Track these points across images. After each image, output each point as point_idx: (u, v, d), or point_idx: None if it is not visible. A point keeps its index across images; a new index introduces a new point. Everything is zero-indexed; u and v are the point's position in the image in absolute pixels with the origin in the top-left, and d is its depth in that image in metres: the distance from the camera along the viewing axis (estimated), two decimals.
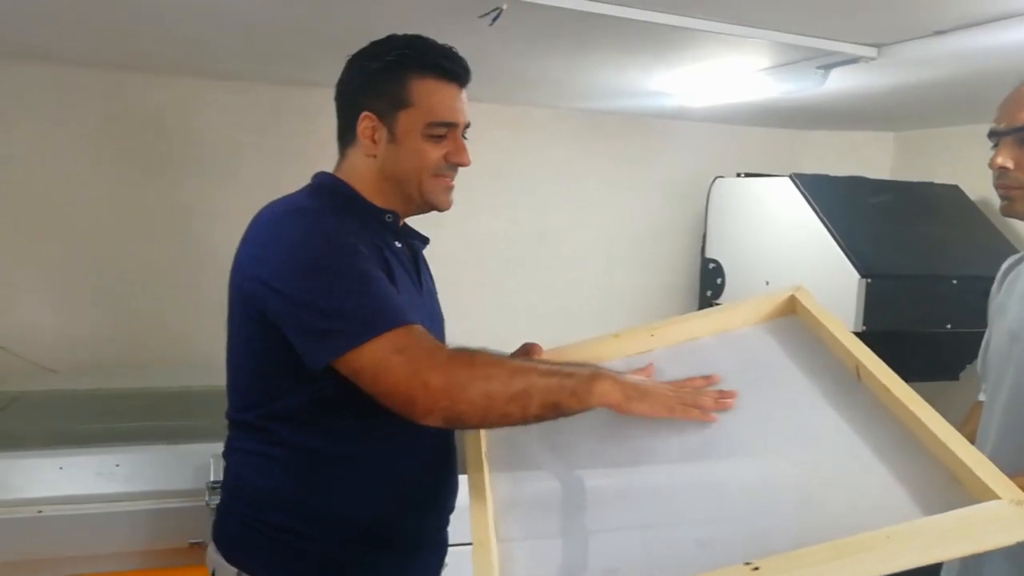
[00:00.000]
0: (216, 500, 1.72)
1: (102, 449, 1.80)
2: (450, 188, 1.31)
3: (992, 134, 1.40)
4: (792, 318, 1.34)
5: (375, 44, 1.29)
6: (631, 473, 1.13)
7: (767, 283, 2.72)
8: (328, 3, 1.71)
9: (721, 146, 3.35)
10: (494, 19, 1.58)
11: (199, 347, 2.51)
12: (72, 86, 2.53)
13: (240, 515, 1.27)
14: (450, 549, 1.39)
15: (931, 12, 1.59)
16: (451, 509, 1.37)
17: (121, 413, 2.09)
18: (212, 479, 1.73)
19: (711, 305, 2.98)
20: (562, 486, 1.19)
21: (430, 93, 1.25)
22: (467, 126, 1.31)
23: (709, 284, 3.05)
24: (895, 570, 0.83)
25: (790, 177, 2.67)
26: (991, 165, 1.38)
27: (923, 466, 0.97)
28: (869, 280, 2.36)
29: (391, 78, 1.25)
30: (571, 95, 2.82)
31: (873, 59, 1.89)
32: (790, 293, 1.35)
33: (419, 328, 1.12)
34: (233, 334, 1.27)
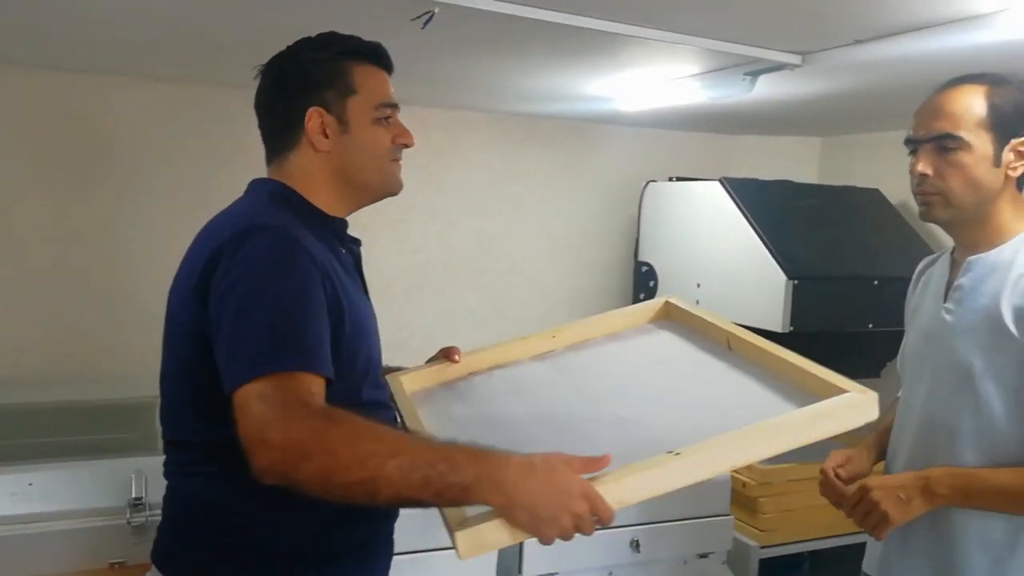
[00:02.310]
0: (139, 518, 1.67)
1: (15, 467, 1.71)
2: (400, 170, 1.34)
3: (909, 141, 1.45)
4: (668, 320, 1.57)
5: (305, 42, 1.29)
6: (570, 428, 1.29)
7: (698, 285, 2.77)
8: (257, 4, 1.67)
9: (654, 151, 3.40)
10: (426, 22, 1.57)
11: (121, 359, 2.42)
12: None
13: (191, 535, 1.22)
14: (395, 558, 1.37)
15: (851, 22, 1.64)
16: (397, 515, 1.35)
17: (36, 429, 2.00)
18: (134, 495, 1.67)
19: None
20: None
21: (371, 78, 1.28)
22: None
23: (642, 286, 3.09)
24: (784, 448, 1.07)
25: (720, 181, 2.72)
26: (912, 172, 1.43)
27: (793, 385, 1.22)
28: (796, 282, 2.42)
29: (335, 69, 1.25)
30: (507, 98, 2.82)
31: (798, 66, 1.94)
32: (664, 299, 1.59)
33: (305, 379, 1.04)
34: (177, 349, 1.20)
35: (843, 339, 2.60)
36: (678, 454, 1.02)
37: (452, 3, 1.52)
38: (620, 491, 0.99)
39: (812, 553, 2.57)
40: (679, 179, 3.07)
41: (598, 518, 0.99)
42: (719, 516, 2.22)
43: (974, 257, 1.43)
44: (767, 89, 2.17)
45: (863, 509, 1.41)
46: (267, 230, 1.14)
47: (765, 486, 2.39)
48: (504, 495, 0.96)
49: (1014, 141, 1.37)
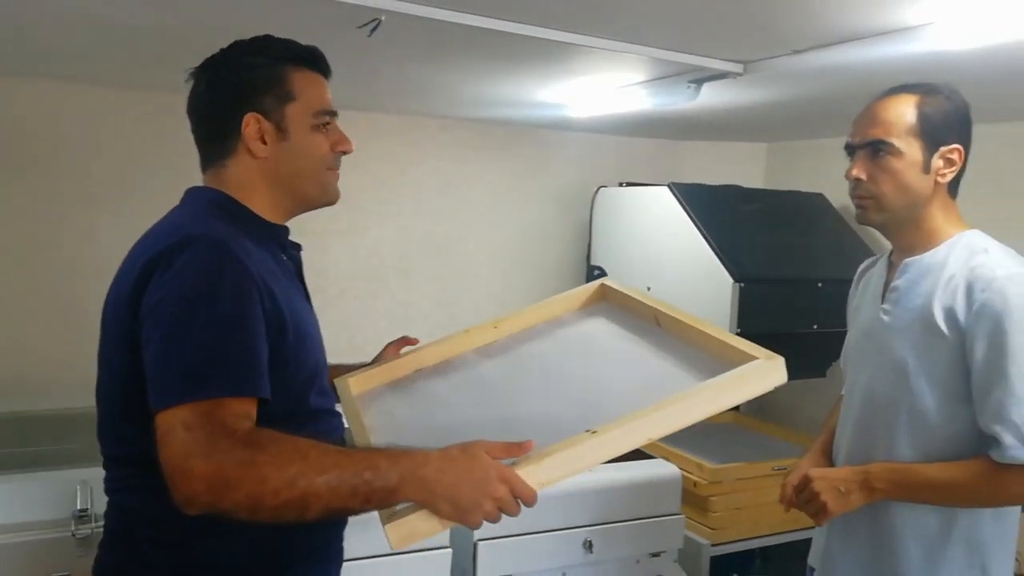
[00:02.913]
0: (84, 530, 1.64)
1: None
2: (338, 178, 1.32)
3: (848, 147, 1.50)
4: (603, 302, 1.62)
5: (240, 46, 1.26)
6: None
7: (648, 288, 2.81)
8: (203, 10, 1.65)
9: (604, 156, 3.44)
10: (373, 30, 1.57)
11: (63, 368, 2.36)
12: None
13: (133, 550, 1.19)
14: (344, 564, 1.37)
15: (789, 32, 1.70)
16: (346, 521, 1.35)
17: None
18: (79, 507, 1.63)
19: None
20: None
21: (310, 84, 1.26)
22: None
23: None
24: (698, 417, 1.12)
25: (669, 186, 2.77)
26: (847, 176, 1.49)
27: (709, 356, 1.27)
28: (742, 284, 2.48)
29: (272, 75, 1.23)
30: (459, 105, 2.83)
31: (740, 74, 1.99)
32: (600, 283, 1.64)
33: (232, 404, 1.03)
34: (110, 361, 1.18)
35: (789, 340, 2.65)
36: (595, 432, 1.06)
37: (398, 11, 1.53)
38: (540, 472, 1.04)
39: (762, 549, 2.62)
40: (629, 184, 3.11)
41: (521, 499, 1.03)
42: (670, 515, 2.26)
43: (909, 259, 1.48)
44: (712, 96, 2.22)
45: (804, 497, 1.48)
46: (202, 242, 1.11)
47: (715, 485, 2.44)
48: (426, 491, 1.01)
49: (943, 148, 1.43)
